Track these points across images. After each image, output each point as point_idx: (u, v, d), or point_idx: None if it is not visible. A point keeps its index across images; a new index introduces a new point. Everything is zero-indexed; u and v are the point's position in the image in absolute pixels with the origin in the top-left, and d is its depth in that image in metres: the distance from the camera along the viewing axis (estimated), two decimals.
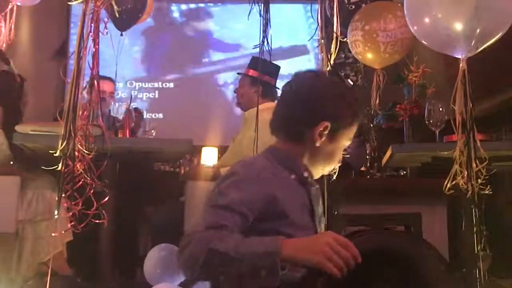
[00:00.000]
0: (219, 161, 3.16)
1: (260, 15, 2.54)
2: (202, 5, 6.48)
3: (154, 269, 2.45)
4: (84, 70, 2.08)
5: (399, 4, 3.47)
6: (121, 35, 2.83)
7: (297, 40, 6.08)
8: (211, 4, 6.43)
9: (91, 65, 2.10)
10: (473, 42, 2.11)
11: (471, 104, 2.13)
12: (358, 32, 3.32)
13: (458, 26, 2.09)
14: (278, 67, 3.04)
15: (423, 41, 2.29)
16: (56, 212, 2.08)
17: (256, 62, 2.85)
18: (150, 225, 3.35)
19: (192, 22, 6.52)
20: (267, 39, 2.47)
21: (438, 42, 2.25)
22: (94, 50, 2.09)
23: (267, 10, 2.55)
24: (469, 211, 2.18)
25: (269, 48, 2.49)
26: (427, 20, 2.20)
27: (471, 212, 2.16)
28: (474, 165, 2.10)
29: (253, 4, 2.45)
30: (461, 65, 2.14)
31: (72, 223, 2.03)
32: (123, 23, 2.75)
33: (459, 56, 2.15)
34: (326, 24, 2.30)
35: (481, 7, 2.06)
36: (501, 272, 2.75)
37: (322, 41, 2.26)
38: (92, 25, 2.08)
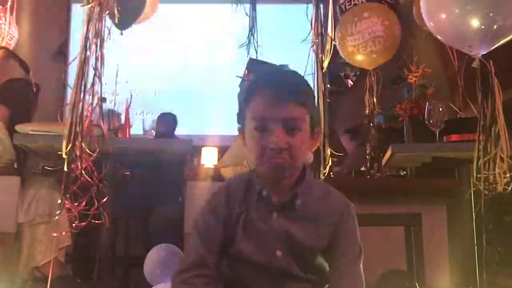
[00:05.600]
0: (219, 162, 3.16)
1: (246, 14, 2.56)
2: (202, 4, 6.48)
3: (154, 269, 2.45)
4: (88, 74, 2.09)
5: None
6: (121, 34, 2.83)
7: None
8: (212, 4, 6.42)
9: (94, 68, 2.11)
10: (488, 39, 2.10)
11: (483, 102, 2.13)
12: (337, 40, 3.41)
13: (474, 23, 2.07)
14: (314, 96, 3.02)
15: (439, 37, 2.27)
16: (58, 212, 2.09)
17: (250, 64, 2.84)
18: (150, 225, 3.35)
19: (191, 21, 6.53)
20: (253, 38, 2.48)
21: (454, 38, 2.24)
22: (98, 55, 2.10)
23: (254, 9, 2.57)
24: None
25: (255, 46, 2.50)
26: (443, 16, 2.19)
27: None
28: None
29: (238, 4, 2.47)
30: (475, 61, 2.13)
31: (73, 224, 2.03)
32: (123, 23, 2.74)
33: (474, 53, 2.14)
34: (321, 27, 2.31)
35: (499, 3, 2.05)
36: (504, 269, 2.75)
37: (317, 40, 2.26)
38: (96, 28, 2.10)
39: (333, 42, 2.26)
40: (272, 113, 1.18)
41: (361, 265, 1.28)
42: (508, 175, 2.09)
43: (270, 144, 1.17)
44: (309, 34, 2.32)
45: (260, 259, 1.24)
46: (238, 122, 1.29)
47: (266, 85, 1.22)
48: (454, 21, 2.15)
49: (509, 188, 2.10)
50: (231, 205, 1.28)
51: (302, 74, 1.35)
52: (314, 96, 1.33)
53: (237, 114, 1.29)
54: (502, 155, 2.09)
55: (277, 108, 1.18)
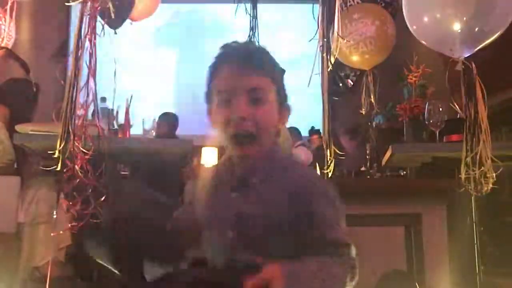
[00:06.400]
0: None
1: (247, 13, 2.56)
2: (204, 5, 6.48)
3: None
4: (81, 70, 2.09)
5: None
6: (115, 33, 2.82)
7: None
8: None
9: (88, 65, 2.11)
10: (470, 42, 2.13)
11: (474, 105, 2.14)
12: (335, 41, 3.43)
13: (456, 26, 2.10)
14: (282, 71, 3.03)
15: (422, 41, 2.30)
16: (54, 212, 2.08)
17: None
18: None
19: (191, 22, 6.53)
20: (254, 37, 2.49)
21: (436, 42, 2.27)
22: (91, 50, 2.10)
23: (254, 8, 2.57)
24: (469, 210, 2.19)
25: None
26: (425, 19, 2.22)
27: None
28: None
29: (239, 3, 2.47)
30: (458, 64, 2.15)
31: (72, 224, 2.03)
32: (115, 21, 2.73)
33: (456, 56, 2.16)
34: (327, 25, 2.31)
35: (479, 7, 2.07)
36: (503, 270, 2.75)
37: (324, 40, 2.26)
38: (89, 25, 2.09)
39: (339, 41, 2.26)
40: (235, 84, 1.15)
41: (340, 264, 1.09)
42: (493, 174, 2.09)
43: (232, 114, 1.14)
44: (316, 33, 2.33)
45: (215, 240, 1.19)
46: (206, 102, 1.25)
47: (228, 59, 1.19)
48: (436, 25, 2.18)
49: (489, 187, 2.11)
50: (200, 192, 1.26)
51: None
52: (281, 71, 1.27)
53: (205, 93, 1.25)
54: (487, 153, 2.10)
55: (239, 79, 1.15)
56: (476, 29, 2.12)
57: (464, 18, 2.09)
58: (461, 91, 2.20)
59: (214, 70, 1.20)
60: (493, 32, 2.14)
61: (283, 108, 1.22)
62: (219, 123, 1.17)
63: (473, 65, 2.16)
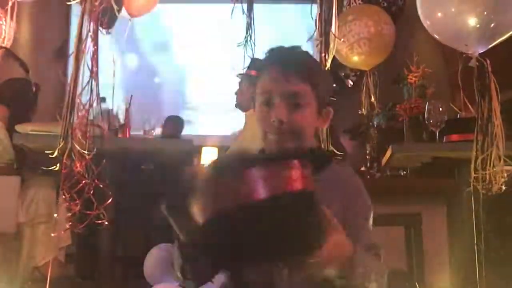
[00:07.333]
0: None
1: (243, 13, 2.56)
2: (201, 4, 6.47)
3: (154, 269, 2.45)
4: (83, 69, 2.08)
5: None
6: (109, 33, 2.82)
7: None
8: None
9: (90, 65, 2.10)
10: (485, 38, 2.10)
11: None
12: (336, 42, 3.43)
13: (472, 21, 2.07)
14: (324, 75, 3.02)
15: (436, 36, 2.27)
16: (56, 212, 2.08)
17: (254, 63, 2.85)
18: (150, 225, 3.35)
19: (188, 23, 6.52)
20: (251, 37, 2.49)
21: (450, 37, 2.24)
22: (93, 49, 2.09)
23: (251, 8, 2.56)
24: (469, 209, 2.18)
25: (252, 46, 2.51)
26: (439, 14, 2.19)
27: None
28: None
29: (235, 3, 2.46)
30: (472, 60, 2.12)
31: (71, 224, 2.03)
32: (107, 21, 2.72)
33: (471, 52, 2.13)
34: (325, 25, 2.31)
35: (494, 1, 2.05)
36: (504, 270, 2.75)
37: (321, 39, 2.26)
38: (91, 24, 2.09)
39: (336, 40, 2.26)
40: (276, 87, 1.22)
41: None
42: (505, 174, 2.08)
43: (272, 117, 1.20)
44: (314, 33, 2.33)
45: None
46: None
47: (273, 62, 1.26)
48: (451, 20, 2.15)
49: (503, 188, 2.10)
50: None
51: None
52: (326, 77, 1.33)
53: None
54: (499, 154, 2.08)
55: (280, 83, 1.21)
56: (493, 24, 2.07)
57: (482, 13, 2.05)
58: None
59: (261, 71, 1.28)
60: (511, 27, 2.10)
61: (324, 111, 1.27)
62: (261, 121, 1.24)
63: (488, 62, 2.13)
